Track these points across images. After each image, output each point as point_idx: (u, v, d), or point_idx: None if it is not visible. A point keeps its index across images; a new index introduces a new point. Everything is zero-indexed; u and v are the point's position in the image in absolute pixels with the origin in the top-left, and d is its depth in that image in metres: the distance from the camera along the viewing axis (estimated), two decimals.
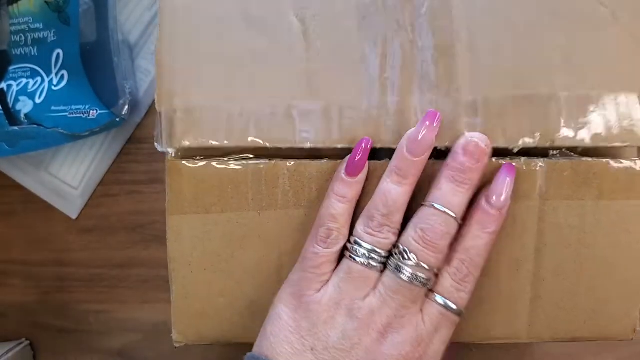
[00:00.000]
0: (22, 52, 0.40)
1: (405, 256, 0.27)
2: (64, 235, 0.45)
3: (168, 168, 0.29)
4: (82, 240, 0.45)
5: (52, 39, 0.40)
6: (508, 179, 0.28)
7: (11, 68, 0.40)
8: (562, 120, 0.28)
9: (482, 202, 0.28)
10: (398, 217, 0.28)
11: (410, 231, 0.27)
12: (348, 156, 0.29)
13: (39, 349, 0.46)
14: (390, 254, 0.28)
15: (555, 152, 0.30)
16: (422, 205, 0.28)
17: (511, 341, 0.31)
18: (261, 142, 0.29)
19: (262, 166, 0.29)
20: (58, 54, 0.40)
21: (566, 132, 0.28)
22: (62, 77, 0.40)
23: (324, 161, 0.29)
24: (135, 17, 0.43)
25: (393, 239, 0.28)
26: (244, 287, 0.30)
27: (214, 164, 0.29)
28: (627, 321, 0.30)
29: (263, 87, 0.29)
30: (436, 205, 0.27)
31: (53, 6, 0.39)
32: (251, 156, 0.30)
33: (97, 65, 0.40)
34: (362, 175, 0.28)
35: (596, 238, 0.29)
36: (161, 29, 0.29)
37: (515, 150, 0.29)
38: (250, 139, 0.29)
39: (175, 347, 0.31)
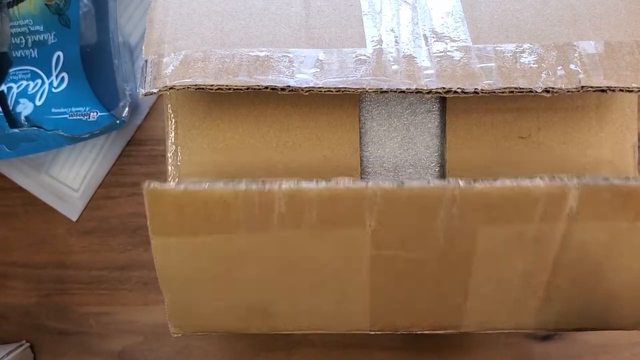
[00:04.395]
0: (23, 54, 0.40)
1: None
2: (65, 237, 0.45)
3: (146, 194, 0.27)
4: (83, 243, 0.45)
5: (53, 41, 0.40)
6: None
7: (11, 70, 0.40)
8: (585, 64, 0.27)
9: None
10: None
11: None
12: None
13: (39, 351, 0.46)
14: None
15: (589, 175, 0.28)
16: None
17: (514, 331, 0.30)
18: (253, 81, 0.27)
19: (253, 190, 0.27)
20: (58, 56, 0.40)
21: (591, 75, 0.27)
22: (63, 79, 0.40)
23: (323, 184, 0.26)
24: (136, 19, 0.43)
25: None
26: (243, 295, 0.29)
27: (197, 188, 0.27)
28: (638, 319, 0.29)
29: (258, 37, 0.28)
30: None
31: (53, 8, 0.39)
32: (238, 181, 0.27)
33: (97, 67, 0.40)
34: None
35: (623, 256, 0.28)
36: None
37: (540, 90, 0.27)
38: (241, 78, 0.27)
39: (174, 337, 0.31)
